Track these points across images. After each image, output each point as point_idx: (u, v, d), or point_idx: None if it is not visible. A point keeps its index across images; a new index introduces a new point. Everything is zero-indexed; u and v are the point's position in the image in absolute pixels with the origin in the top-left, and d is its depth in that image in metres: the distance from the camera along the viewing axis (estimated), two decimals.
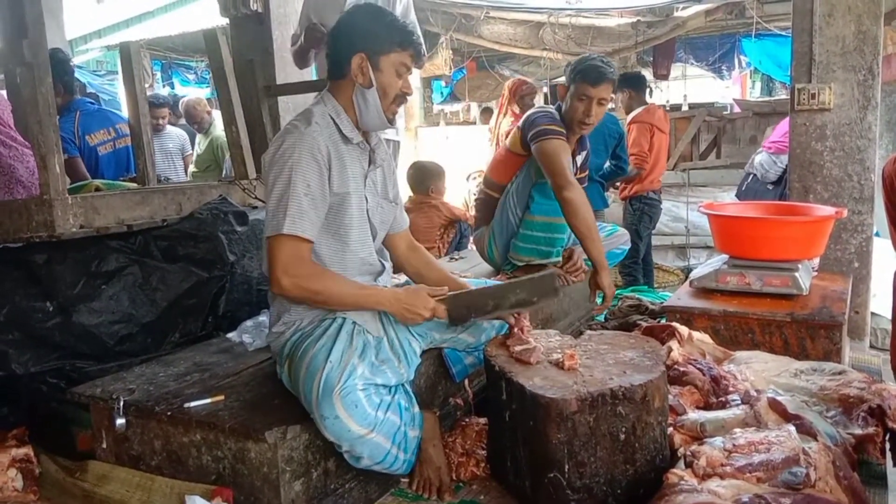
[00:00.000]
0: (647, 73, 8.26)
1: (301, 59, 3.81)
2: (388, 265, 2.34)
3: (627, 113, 5.22)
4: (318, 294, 2.00)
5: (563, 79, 3.32)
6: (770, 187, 4.85)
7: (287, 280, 1.96)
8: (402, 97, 2.15)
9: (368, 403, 1.86)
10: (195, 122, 6.21)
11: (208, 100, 6.95)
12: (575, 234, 2.93)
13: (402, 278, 2.49)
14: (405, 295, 2.09)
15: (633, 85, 5.21)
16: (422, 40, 2.16)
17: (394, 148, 3.98)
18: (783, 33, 7.80)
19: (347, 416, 1.82)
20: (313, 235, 2.01)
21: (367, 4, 2.14)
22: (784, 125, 4.64)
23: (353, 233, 2.13)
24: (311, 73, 4.10)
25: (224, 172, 5.59)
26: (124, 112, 4.06)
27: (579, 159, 3.26)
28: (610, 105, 3.17)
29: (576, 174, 3.11)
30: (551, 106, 3.22)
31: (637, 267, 5.01)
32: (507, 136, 3.76)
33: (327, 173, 2.04)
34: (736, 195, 5.43)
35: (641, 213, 5.00)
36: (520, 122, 3.22)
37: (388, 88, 2.09)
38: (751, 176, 5.14)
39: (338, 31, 2.13)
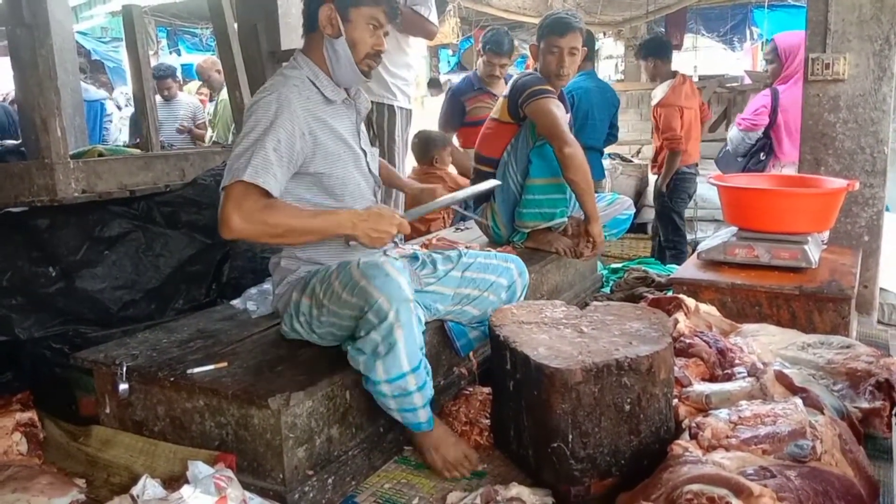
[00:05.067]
0: None
1: None
2: None
3: (653, 81, 5.13)
4: (276, 227, 1.87)
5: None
6: (739, 160, 4.85)
7: (238, 216, 1.82)
8: (375, 55, 2.08)
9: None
10: (206, 83, 6.19)
11: None
12: (573, 188, 3.01)
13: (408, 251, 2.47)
14: (367, 214, 1.96)
15: (658, 53, 5.04)
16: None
17: (405, 116, 3.93)
18: (796, 4, 7.66)
19: (398, 274, 1.85)
20: (274, 191, 1.88)
21: None
22: (757, 101, 4.60)
23: (353, 191, 2.12)
24: None
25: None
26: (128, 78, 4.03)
27: (567, 118, 3.26)
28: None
29: None
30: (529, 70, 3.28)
31: (681, 240, 4.99)
32: None
33: (305, 140, 1.97)
34: (714, 161, 5.48)
35: (675, 189, 4.96)
36: (506, 91, 3.23)
37: (359, 43, 2.04)
38: (725, 147, 5.13)
39: None
